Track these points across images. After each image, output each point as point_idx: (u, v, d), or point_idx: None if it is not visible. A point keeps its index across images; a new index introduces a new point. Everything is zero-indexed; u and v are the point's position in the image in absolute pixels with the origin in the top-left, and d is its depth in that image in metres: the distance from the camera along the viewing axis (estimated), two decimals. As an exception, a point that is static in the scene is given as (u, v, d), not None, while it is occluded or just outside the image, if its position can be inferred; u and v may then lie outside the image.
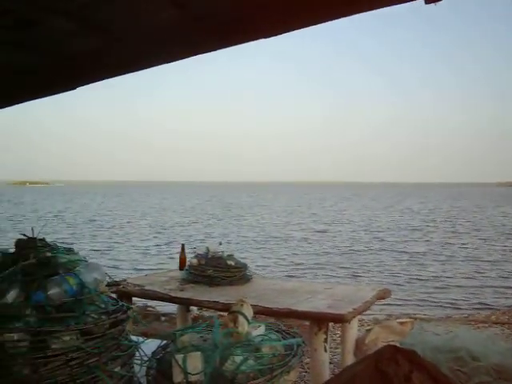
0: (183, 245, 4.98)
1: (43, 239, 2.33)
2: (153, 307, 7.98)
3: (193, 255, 4.56)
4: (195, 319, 5.95)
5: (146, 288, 4.20)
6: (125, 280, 4.49)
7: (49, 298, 1.75)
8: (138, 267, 13.86)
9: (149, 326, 6.37)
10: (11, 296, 1.76)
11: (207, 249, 4.48)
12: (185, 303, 4.39)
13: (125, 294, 4.09)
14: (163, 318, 7.59)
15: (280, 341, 2.12)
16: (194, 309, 5.29)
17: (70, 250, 2.27)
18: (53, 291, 1.76)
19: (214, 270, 4.27)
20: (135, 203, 55.37)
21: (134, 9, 1.59)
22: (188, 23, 1.70)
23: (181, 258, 4.85)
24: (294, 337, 2.19)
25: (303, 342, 2.15)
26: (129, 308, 1.98)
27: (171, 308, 6.89)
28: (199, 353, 1.90)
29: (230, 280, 4.26)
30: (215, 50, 1.82)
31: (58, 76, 2.17)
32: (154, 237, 22.27)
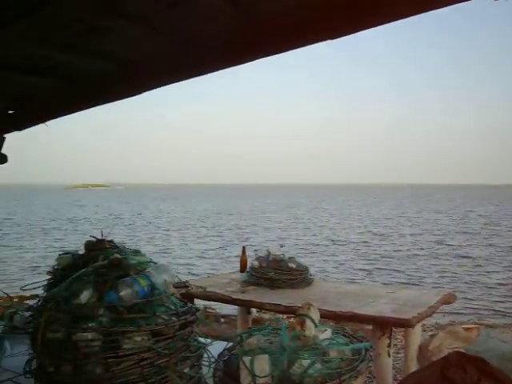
0: (244, 247, 5.01)
1: (111, 241, 2.39)
2: (213, 309, 8.05)
3: (253, 257, 4.58)
4: (255, 321, 5.97)
5: (208, 290, 4.24)
6: (187, 281, 4.54)
7: (121, 299, 1.79)
8: (194, 271, 13.99)
9: (210, 327, 6.44)
10: (85, 296, 1.81)
11: (268, 251, 4.48)
12: (246, 305, 4.41)
13: (188, 295, 4.14)
14: (222, 320, 7.66)
15: (348, 345, 2.08)
16: (253, 311, 5.31)
17: (137, 252, 2.32)
18: (125, 292, 1.80)
19: (275, 273, 4.27)
20: (192, 206, 56.06)
21: (198, 13, 1.61)
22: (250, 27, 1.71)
23: (242, 261, 4.88)
24: (361, 341, 2.15)
25: (371, 347, 2.11)
26: (197, 310, 2.00)
27: (230, 310, 6.93)
28: (267, 355, 1.88)
29: (291, 283, 4.25)
30: (276, 53, 1.81)
31: (125, 82, 2.22)
32: (211, 239, 22.47)
